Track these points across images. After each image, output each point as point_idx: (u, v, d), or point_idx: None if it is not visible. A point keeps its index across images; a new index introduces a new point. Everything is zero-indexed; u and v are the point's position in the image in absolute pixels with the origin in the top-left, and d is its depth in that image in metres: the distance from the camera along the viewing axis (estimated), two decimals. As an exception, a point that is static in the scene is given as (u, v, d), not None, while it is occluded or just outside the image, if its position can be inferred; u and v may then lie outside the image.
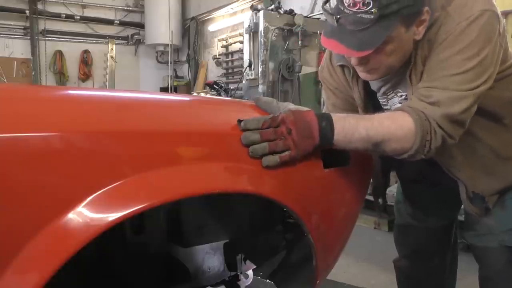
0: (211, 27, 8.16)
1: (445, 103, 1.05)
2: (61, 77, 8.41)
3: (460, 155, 1.21)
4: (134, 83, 8.96)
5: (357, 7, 1.01)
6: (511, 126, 1.22)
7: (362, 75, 1.18)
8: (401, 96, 1.24)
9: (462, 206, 1.34)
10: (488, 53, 1.06)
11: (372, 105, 1.32)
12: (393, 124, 1.04)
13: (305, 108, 1.01)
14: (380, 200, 1.54)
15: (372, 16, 1.00)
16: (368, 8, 1.00)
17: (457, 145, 1.12)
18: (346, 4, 1.03)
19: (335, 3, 1.07)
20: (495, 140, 1.22)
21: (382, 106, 1.32)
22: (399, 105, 1.21)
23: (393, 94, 1.26)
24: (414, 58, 1.12)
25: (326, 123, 0.98)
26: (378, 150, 1.06)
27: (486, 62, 1.06)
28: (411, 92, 1.14)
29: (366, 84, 1.28)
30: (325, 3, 1.11)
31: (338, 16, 1.04)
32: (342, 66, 1.30)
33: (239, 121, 0.92)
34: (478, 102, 1.09)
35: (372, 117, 1.06)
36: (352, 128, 1.00)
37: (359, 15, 1.01)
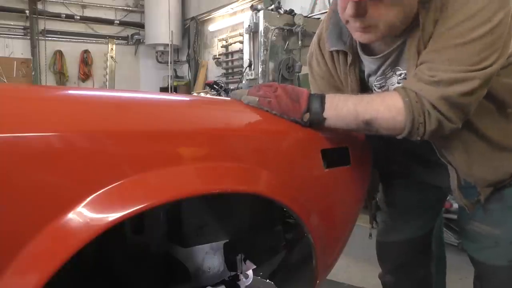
0: (211, 27, 8.16)
1: (445, 83, 0.96)
2: (61, 77, 8.41)
3: (455, 138, 1.10)
4: (134, 83, 8.97)
5: None
6: None
7: (357, 34, 1.06)
8: (400, 75, 1.14)
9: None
10: (502, 18, 0.94)
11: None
12: (382, 104, 1.00)
13: None
14: (373, 203, 1.44)
15: None
16: None
17: None
18: None
19: None
20: (494, 127, 1.11)
21: (380, 88, 1.20)
22: (398, 85, 1.12)
23: (391, 73, 1.15)
24: (422, 22, 1.01)
25: (316, 95, 1.05)
26: (371, 130, 1.02)
27: (498, 31, 0.94)
28: (414, 64, 1.04)
29: (361, 72, 1.21)
30: None
31: None
32: (333, 53, 1.21)
33: None
34: (487, 86, 0.99)
35: (363, 95, 1.05)
36: (342, 101, 1.03)
37: None
